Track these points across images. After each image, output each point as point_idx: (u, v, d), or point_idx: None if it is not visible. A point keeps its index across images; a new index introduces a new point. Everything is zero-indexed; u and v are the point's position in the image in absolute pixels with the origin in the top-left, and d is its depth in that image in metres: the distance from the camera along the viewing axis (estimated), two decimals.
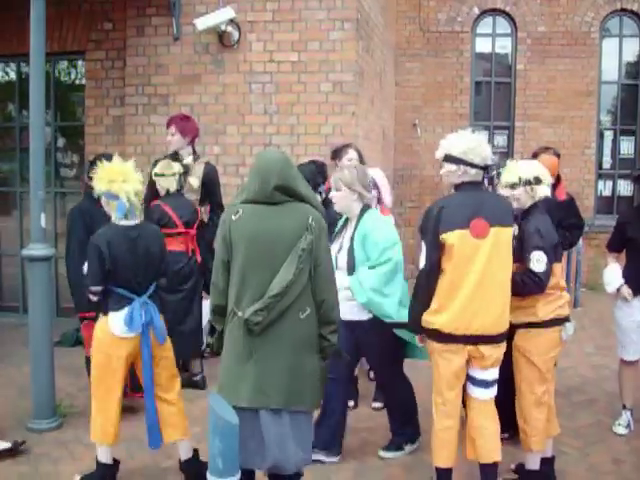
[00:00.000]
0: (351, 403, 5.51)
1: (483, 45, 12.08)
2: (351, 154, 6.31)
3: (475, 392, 4.16)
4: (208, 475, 3.05)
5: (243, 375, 3.50)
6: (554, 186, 5.60)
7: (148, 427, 4.36)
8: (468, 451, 4.20)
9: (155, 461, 4.80)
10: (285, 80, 7.53)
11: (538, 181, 4.49)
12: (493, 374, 4.13)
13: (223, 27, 7.44)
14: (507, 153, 11.95)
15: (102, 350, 4.22)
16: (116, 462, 4.39)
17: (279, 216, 3.53)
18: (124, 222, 4.29)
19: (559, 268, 4.46)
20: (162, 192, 6.10)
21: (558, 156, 5.90)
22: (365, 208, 4.71)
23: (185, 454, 4.43)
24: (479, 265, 3.94)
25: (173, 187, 6.06)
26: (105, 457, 4.30)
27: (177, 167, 6.08)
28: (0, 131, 9.44)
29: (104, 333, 4.21)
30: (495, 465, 4.08)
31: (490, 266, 3.96)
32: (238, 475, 3.09)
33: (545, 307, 4.33)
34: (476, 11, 11.79)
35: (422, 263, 4.03)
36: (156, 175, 6.12)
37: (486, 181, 4.37)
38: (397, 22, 11.58)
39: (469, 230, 3.93)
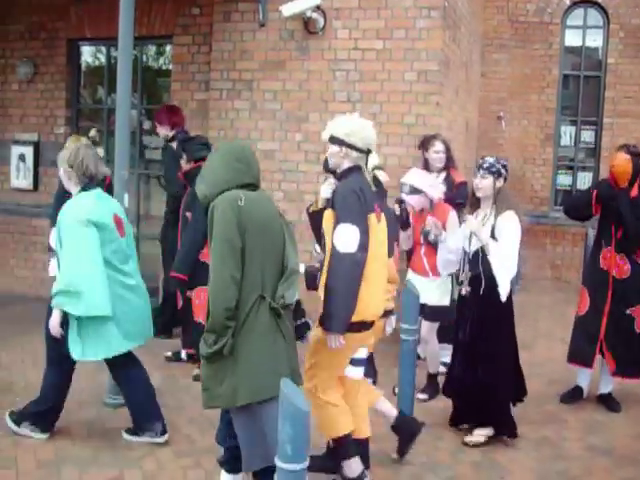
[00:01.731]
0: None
1: (573, 38, 11.76)
2: (437, 146, 6.21)
3: (352, 372, 4.29)
4: (276, 460, 3.04)
5: (280, 360, 3.51)
6: (630, 184, 5.67)
7: None
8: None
9: None
10: (369, 68, 7.46)
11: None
12: (366, 352, 4.39)
13: (309, 14, 7.42)
14: (594, 149, 11.63)
15: None
16: None
17: (266, 201, 3.68)
18: None
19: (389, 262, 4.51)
20: None
21: (637, 155, 5.70)
22: None
23: None
24: (381, 248, 4.06)
25: None
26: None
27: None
28: (89, 113, 9.68)
29: None
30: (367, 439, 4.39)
31: (383, 249, 4.09)
32: (307, 462, 3.07)
33: None
34: (567, 2, 11.48)
35: (345, 247, 3.84)
36: None
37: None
38: (485, 11, 11.35)
39: (375, 213, 4.01)
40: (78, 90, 9.40)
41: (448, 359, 5.73)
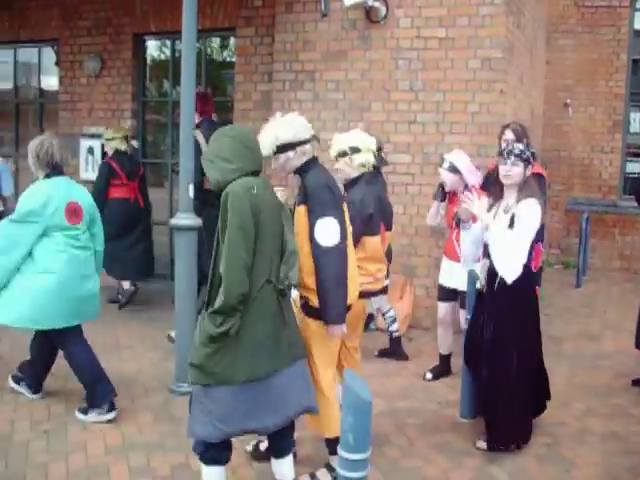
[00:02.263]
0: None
1: None
2: (507, 134, 6.13)
3: None
4: (339, 450, 3.06)
5: (280, 339, 3.66)
6: None
7: None
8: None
9: None
10: (432, 56, 7.40)
11: (354, 150, 4.72)
12: None
13: (370, 3, 7.40)
14: None
15: None
16: None
17: (267, 185, 3.78)
18: None
19: (372, 242, 4.66)
20: (111, 152, 8.13)
21: None
22: None
23: None
24: (349, 235, 4.11)
25: (122, 147, 8.13)
26: None
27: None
28: (155, 106, 9.84)
29: None
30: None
31: (349, 235, 4.12)
32: (369, 452, 3.08)
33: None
34: None
35: (329, 241, 3.86)
36: (107, 139, 8.17)
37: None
38: None
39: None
40: (144, 83, 9.58)
41: None
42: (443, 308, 6.07)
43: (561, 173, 11.58)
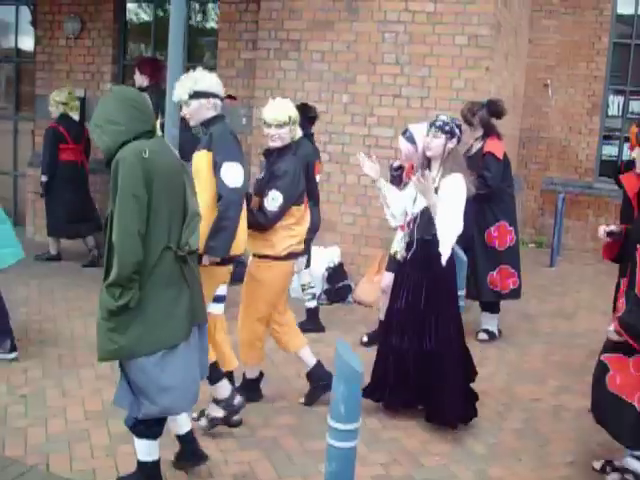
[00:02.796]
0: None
1: (625, 5, 11.47)
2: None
3: (214, 308, 4.50)
4: (329, 420, 3.07)
5: (183, 305, 3.50)
6: None
7: None
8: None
9: None
10: (419, 31, 7.36)
11: (294, 121, 4.81)
12: (225, 289, 4.70)
13: None
14: None
15: None
16: None
17: (165, 147, 3.64)
18: None
19: (300, 210, 4.84)
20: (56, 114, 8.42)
21: None
22: None
23: None
24: None
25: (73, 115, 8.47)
26: None
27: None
28: None
29: None
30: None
31: None
32: (360, 421, 3.10)
33: (282, 242, 4.74)
34: None
35: (234, 182, 4.23)
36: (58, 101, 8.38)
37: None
38: None
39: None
40: (125, 46, 9.42)
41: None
42: (388, 277, 5.92)
43: (539, 153, 11.63)
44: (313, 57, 7.74)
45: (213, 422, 4.49)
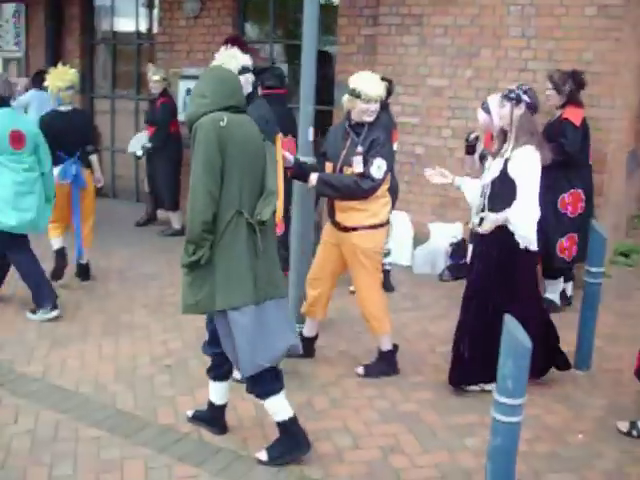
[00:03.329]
0: None
1: None
2: (546, 84, 6.30)
3: None
4: (495, 395, 3.08)
5: (253, 273, 3.71)
6: None
7: (77, 243, 6.76)
8: None
9: None
10: (546, 2, 7.15)
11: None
12: None
13: None
14: None
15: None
16: None
17: (248, 124, 3.81)
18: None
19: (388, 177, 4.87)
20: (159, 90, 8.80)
21: None
22: None
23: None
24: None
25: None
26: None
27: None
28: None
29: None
30: None
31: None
32: (525, 397, 3.09)
33: (383, 209, 4.87)
34: None
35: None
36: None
37: None
38: None
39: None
40: (243, 25, 9.53)
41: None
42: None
43: None
44: (436, 32, 7.65)
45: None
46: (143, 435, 4.14)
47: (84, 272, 6.99)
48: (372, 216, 4.81)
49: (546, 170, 4.63)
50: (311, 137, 5.44)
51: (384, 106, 6.13)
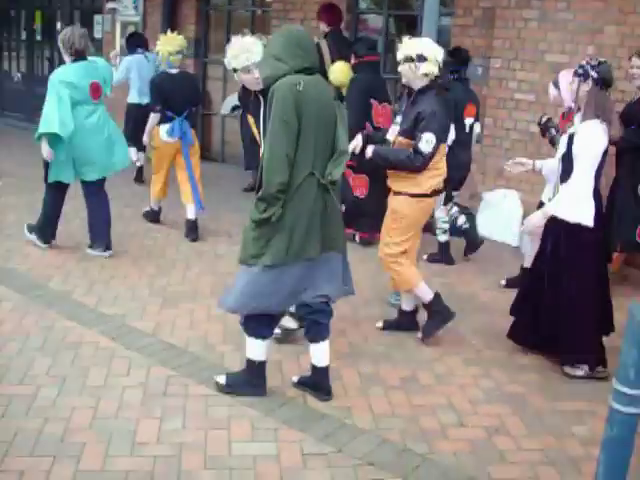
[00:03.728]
0: None
1: None
2: (634, 61, 6.13)
3: None
4: (616, 384, 2.99)
5: (319, 229, 3.90)
6: None
7: (195, 196, 7.18)
8: None
9: None
10: None
11: (421, 59, 4.64)
12: None
13: None
14: None
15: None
16: None
17: (322, 86, 3.92)
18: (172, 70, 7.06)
19: (444, 148, 4.92)
20: None
21: None
22: None
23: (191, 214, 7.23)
24: None
25: None
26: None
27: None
28: (370, 19, 9.74)
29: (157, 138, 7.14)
30: None
31: None
32: None
33: (428, 181, 4.85)
34: None
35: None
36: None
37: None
38: None
39: None
40: None
41: None
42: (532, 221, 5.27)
43: None
44: (558, 6, 7.39)
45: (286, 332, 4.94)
46: (249, 397, 4.21)
47: (193, 229, 7.21)
48: (415, 185, 4.86)
49: (627, 154, 4.55)
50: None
51: (460, 79, 6.46)
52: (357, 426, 3.99)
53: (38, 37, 14.05)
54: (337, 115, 3.93)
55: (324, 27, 8.03)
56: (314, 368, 4.26)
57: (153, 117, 7.09)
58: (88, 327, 5.03)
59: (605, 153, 4.55)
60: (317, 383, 4.28)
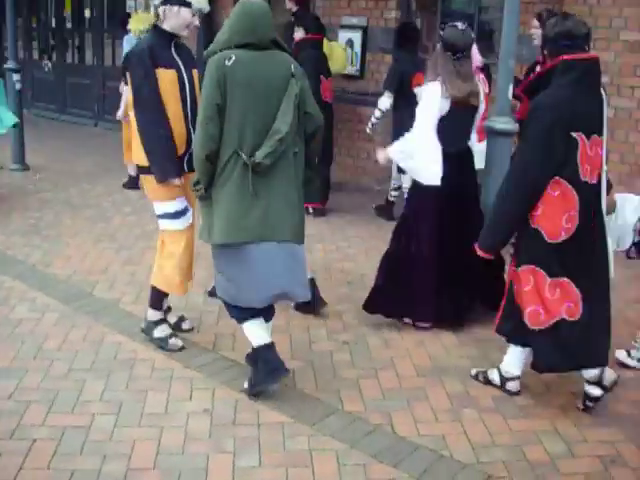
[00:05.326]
0: None
1: None
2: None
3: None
4: None
5: (248, 212, 3.69)
6: None
7: None
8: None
9: None
10: None
11: None
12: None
13: None
14: None
15: None
16: None
17: (268, 62, 3.71)
18: None
19: None
20: None
21: None
22: None
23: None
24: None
25: None
26: None
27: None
28: None
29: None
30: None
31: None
32: None
33: None
34: None
35: None
36: None
37: None
38: None
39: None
40: None
41: None
42: None
43: None
44: None
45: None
46: (330, 425, 3.73)
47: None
48: None
49: None
50: (511, 95, 4.84)
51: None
52: (456, 460, 3.49)
53: (68, 25, 13.65)
54: (287, 93, 3.68)
55: (292, 5, 7.97)
56: (266, 347, 3.92)
57: (127, 90, 6.68)
58: (140, 342, 4.57)
59: (457, 115, 4.63)
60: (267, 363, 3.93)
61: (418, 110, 4.64)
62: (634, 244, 6.72)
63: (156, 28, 4.22)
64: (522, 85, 5.15)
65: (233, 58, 3.61)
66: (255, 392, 3.92)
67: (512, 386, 4.09)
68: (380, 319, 4.90)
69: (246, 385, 3.96)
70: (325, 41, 7.61)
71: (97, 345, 4.49)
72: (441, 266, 4.75)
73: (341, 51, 8.36)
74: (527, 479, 3.37)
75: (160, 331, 4.47)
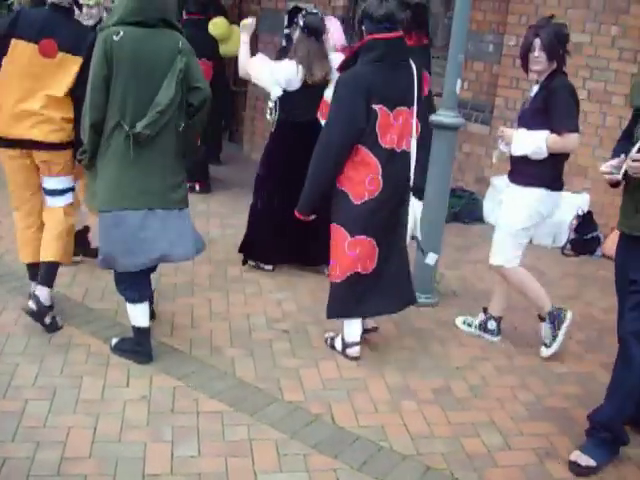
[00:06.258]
0: None
1: None
2: None
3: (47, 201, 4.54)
4: None
5: (128, 180, 3.86)
6: None
7: None
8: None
9: None
10: None
11: None
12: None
13: None
14: None
15: None
16: None
17: (156, 39, 3.85)
18: None
19: None
20: None
21: None
22: None
23: None
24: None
25: None
26: None
27: None
28: None
29: None
30: (52, 265, 4.46)
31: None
32: None
33: None
34: None
35: None
36: None
37: None
38: None
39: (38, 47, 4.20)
40: None
41: None
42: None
43: None
44: None
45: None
46: (268, 414, 3.71)
47: None
48: None
49: None
50: (459, 89, 4.87)
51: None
52: (396, 451, 3.50)
53: None
54: (172, 68, 3.82)
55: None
56: (144, 330, 4.11)
57: None
58: (76, 326, 4.46)
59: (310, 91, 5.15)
60: (138, 345, 4.11)
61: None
62: (569, 241, 6.89)
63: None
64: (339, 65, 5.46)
65: (121, 33, 3.76)
66: (113, 350, 4.17)
67: (352, 352, 4.31)
68: (322, 309, 4.89)
69: (115, 340, 4.20)
70: (223, 23, 7.74)
71: (30, 328, 4.34)
72: (284, 217, 4.98)
73: None
74: (465, 471, 3.41)
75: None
